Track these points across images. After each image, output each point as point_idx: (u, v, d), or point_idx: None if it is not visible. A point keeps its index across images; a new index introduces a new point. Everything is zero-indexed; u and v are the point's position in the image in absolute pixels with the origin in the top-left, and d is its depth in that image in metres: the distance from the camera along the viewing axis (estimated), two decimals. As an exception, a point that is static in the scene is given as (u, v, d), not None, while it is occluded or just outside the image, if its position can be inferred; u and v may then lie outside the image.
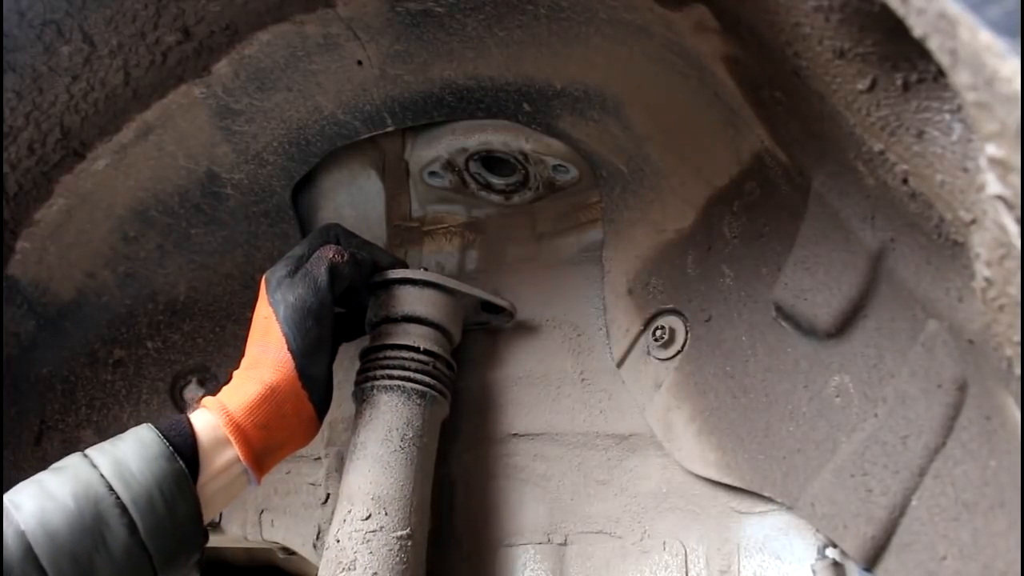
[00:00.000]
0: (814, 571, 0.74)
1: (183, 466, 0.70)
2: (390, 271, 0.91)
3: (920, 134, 0.49)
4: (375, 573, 0.78)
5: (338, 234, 0.88)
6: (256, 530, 1.05)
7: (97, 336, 0.99)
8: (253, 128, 0.90)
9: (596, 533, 0.88)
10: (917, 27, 0.40)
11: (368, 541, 0.79)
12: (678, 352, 0.88)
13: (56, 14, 0.71)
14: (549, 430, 0.94)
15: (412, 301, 0.90)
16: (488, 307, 0.96)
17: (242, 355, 0.82)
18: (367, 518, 0.80)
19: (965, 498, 0.59)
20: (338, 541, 0.80)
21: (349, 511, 0.81)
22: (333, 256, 0.84)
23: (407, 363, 0.87)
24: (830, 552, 0.74)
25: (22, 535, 0.60)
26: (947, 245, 0.54)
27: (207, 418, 0.75)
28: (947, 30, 0.37)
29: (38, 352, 0.95)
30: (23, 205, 0.85)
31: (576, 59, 0.83)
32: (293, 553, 1.07)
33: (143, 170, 0.89)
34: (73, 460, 0.68)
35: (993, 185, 0.39)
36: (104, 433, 0.96)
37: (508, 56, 0.84)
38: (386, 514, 0.80)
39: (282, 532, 1.03)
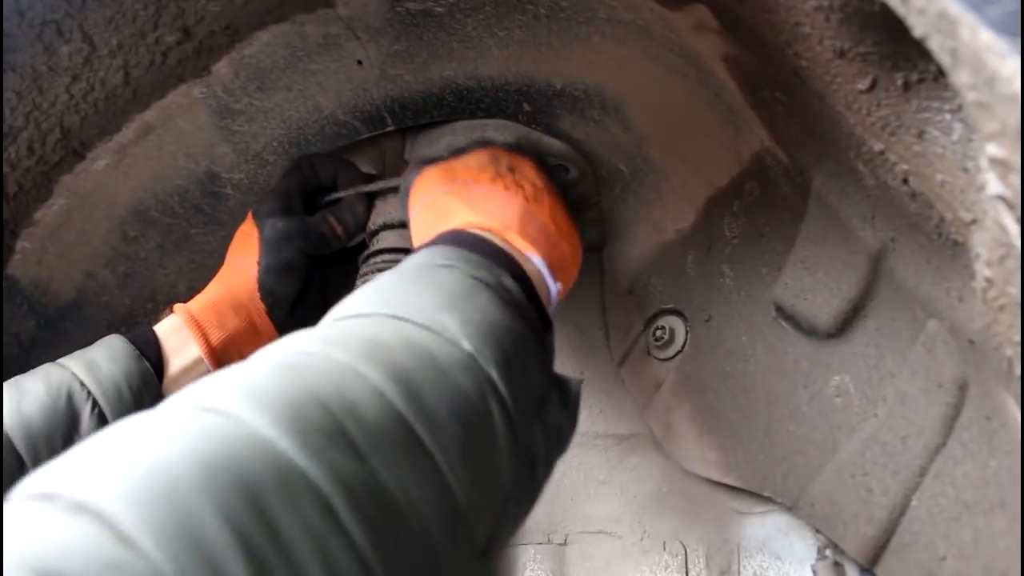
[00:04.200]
0: (814, 571, 0.74)
1: (148, 365, 0.75)
2: (387, 181, 0.91)
3: (920, 134, 0.49)
4: None
5: (312, 163, 0.92)
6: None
7: (97, 336, 0.99)
8: (253, 128, 0.90)
9: (596, 533, 0.88)
10: (917, 27, 0.40)
11: None
12: (678, 352, 0.88)
13: (56, 14, 0.71)
14: (549, 430, 0.94)
15: (393, 208, 0.90)
16: None
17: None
18: None
19: (965, 498, 0.59)
20: None
21: None
22: (328, 229, 0.89)
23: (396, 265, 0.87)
24: (830, 552, 0.74)
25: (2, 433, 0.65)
26: (947, 245, 0.54)
27: (172, 321, 0.80)
28: (947, 30, 0.37)
29: (38, 352, 0.95)
30: (23, 205, 0.85)
31: (576, 59, 0.83)
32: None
33: (143, 170, 0.89)
34: (46, 365, 0.72)
35: (993, 185, 0.39)
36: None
37: (508, 56, 0.84)
38: None
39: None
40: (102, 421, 0.69)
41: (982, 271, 0.45)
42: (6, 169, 0.80)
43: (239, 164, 0.93)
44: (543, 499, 0.91)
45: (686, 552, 0.83)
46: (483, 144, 0.84)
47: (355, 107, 0.90)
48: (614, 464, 0.90)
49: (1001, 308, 0.45)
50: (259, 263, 0.85)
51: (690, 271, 0.89)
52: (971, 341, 0.55)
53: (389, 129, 0.93)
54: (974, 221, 0.46)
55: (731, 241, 0.85)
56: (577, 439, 0.93)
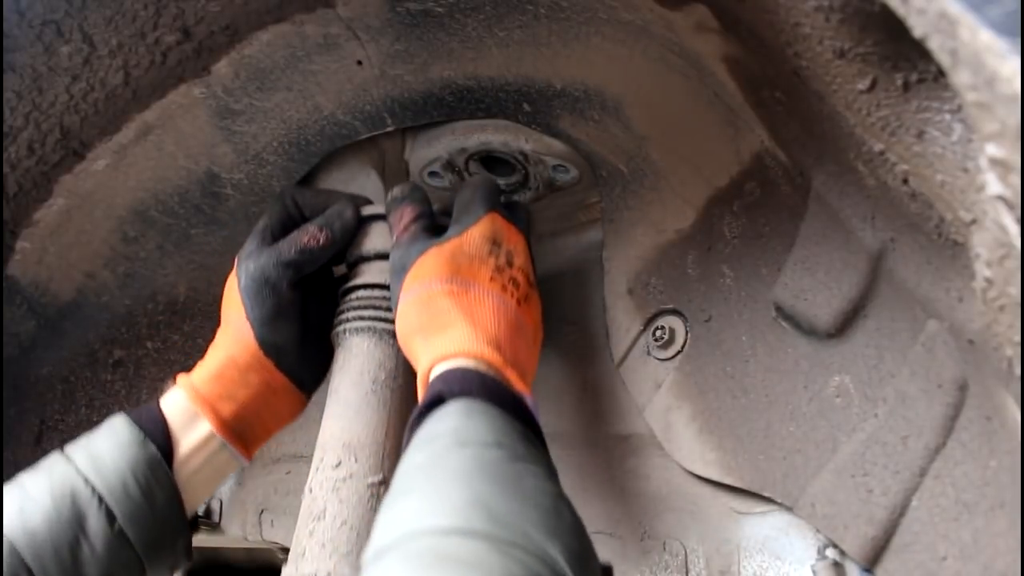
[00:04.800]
0: (814, 571, 0.74)
1: (155, 450, 0.70)
2: (363, 208, 0.87)
3: (920, 134, 0.49)
4: (344, 521, 0.74)
5: (293, 196, 0.86)
6: (256, 530, 1.05)
7: (97, 336, 0.99)
8: (253, 128, 0.90)
9: (596, 533, 0.88)
10: (917, 27, 0.40)
11: (337, 490, 0.76)
12: (678, 352, 0.88)
13: (56, 14, 0.71)
14: (549, 430, 0.94)
15: (384, 237, 0.85)
16: None
17: None
18: (337, 466, 0.77)
19: (965, 498, 0.59)
20: (311, 491, 0.77)
21: (321, 459, 0.78)
22: (307, 240, 0.82)
23: (378, 301, 0.83)
24: (830, 552, 0.74)
25: (5, 538, 0.61)
26: (947, 245, 0.54)
27: (177, 396, 0.76)
28: (947, 30, 0.37)
29: (38, 352, 0.95)
30: (23, 205, 0.85)
31: (576, 59, 0.83)
32: (293, 553, 1.07)
33: (143, 170, 0.89)
34: (52, 457, 0.69)
35: (993, 185, 0.39)
36: (104, 433, 0.97)
37: (508, 56, 0.84)
38: (356, 460, 0.77)
39: (282, 532, 1.03)
40: (110, 517, 0.66)
41: (982, 271, 0.45)
42: (6, 169, 0.80)
43: (239, 164, 0.93)
44: (543, 499, 0.92)
45: (686, 552, 0.83)
46: (489, 204, 0.81)
47: (355, 107, 0.90)
48: (614, 464, 0.90)
49: (1001, 308, 0.45)
50: (248, 319, 0.79)
51: (690, 271, 0.89)
52: (971, 341, 0.55)
53: (389, 129, 0.93)
54: (974, 221, 0.46)
55: (731, 241, 0.85)
56: (577, 439, 0.93)
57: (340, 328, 0.84)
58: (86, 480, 0.66)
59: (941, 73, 0.44)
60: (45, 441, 0.98)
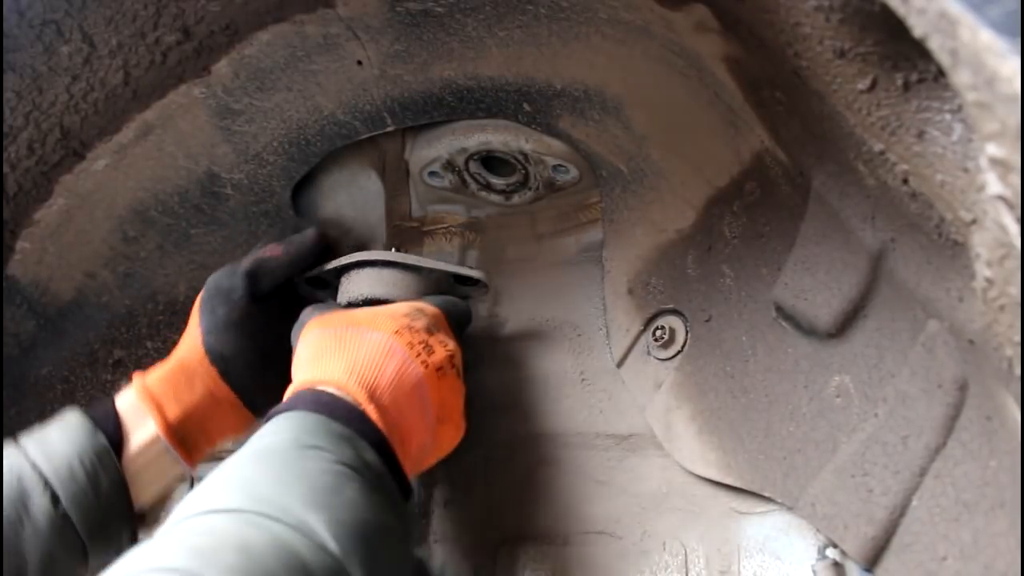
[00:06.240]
0: (814, 571, 0.74)
1: (104, 439, 0.72)
2: (351, 254, 0.87)
3: (920, 134, 0.49)
4: None
5: (316, 237, 0.89)
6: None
7: (97, 336, 0.99)
8: (253, 128, 0.90)
9: (596, 533, 0.88)
10: (918, 27, 0.40)
11: None
12: (678, 352, 0.88)
13: (56, 14, 0.71)
14: (549, 430, 0.94)
15: (372, 283, 0.86)
16: (461, 280, 0.92)
17: None
18: None
19: (966, 498, 0.59)
20: None
21: None
22: (263, 252, 0.86)
23: None
24: (830, 552, 0.74)
25: None
26: (947, 245, 0.54)
27: (130, 394, 0.77)
28: (947, 30, 0.37)
29: (38, 352, 0.95)
30: (23, 205, 0.85)
31: (576, 59, 0.83)
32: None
33: (143, 170, 0.89)
34: (5, 446, 0.70)
35: (993, 185, 0.39)
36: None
37: (508, 56, 0.84)
38: None
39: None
40: (54, 498, 0.67)
41: (982, 271, 0.45)
42: (6, 169, 0.80)
43: (239, 164, 0.93)
44: (543, 499, 0.92)
45: (686, 552, 0.83)
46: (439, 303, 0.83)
47: (355, 107, 0.90)
48: (614, 464, 0.90)
49: (1001, 308, 0.45)
50: (200, 325, 0.81)
51: (690, 271, 0.89)
52: (971, 341, 0.55)
53: (389, 129, 0.93)
54: (974, 221, 0.46)
55: (731, 241, 0.85)
56: (577, 439, 0.93)
57: None
58: (33, 464, 0.68)
59: (941, 73, 0.44)
60: (45, 441, 0.98)
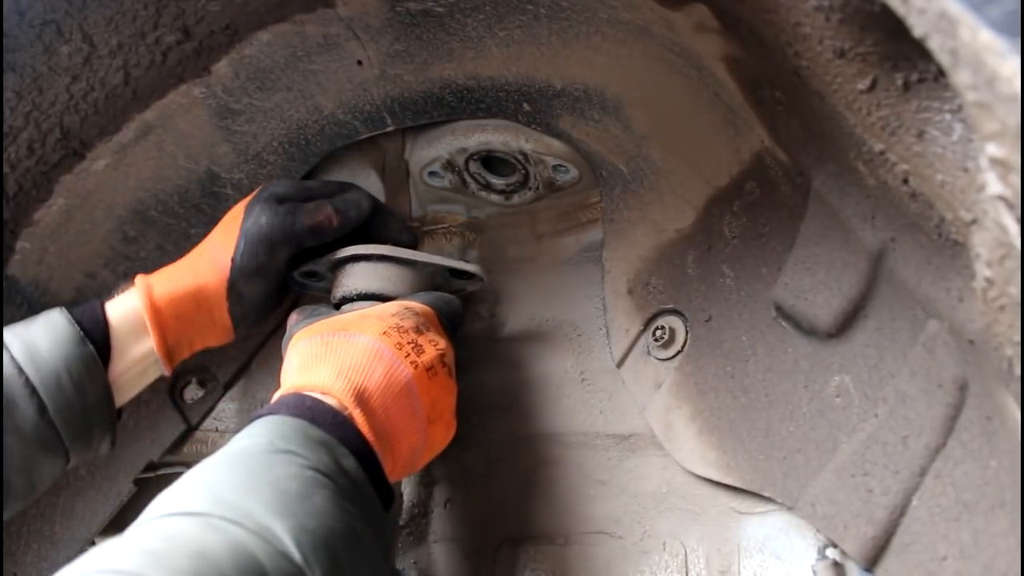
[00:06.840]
0: (814, 571, 0.74)
1: (93, 350, 0.72)
2: (344, 248, 0.86)
3: (920, 134, 0.49)
4: None
5: (370, 207, 0.87)
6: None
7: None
8: (253, 128, 0.90)
9: (596, 533, 0.88)
10: (918, 27, 0.40)
11: None
12: (678, 352, 0.88)
13: (56, 14, 0.71)
14: (549, 430, 0.94)
15: (367, 278, 0.86)
16: (457, 274, 0.91)
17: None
18: None
19: (966, 498, 0.59)
20: None
21: None
22: (322, 219, 0.83)
23: None
24: (830, 552, 0.74)
25: None
26: (947, 245, 0.54)
27: (129, 303, 0.77)
28: (947, 30, 0.37)
29: (38, 352, 0.95)
30: (23, 205, 0.85)
31: (576, 59, 0.83)
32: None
33: (143, 170, 0.89)
34: None
35: (993, 185, 0.39)
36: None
37: (508, 56, 0.84)
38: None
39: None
40: (41, 411, 0.68)
41: (982, 271, 0.45)
42: (6, 169, 0.80)
43: (239, 164, 0.93)
44: (543, 500, 0.92)
45: (686, 552, 0.83)
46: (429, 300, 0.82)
47: (355, 107, 0.90)
48: (614, 464, 0.90)
49: (1001, 308, 0.45)
50: (233, 259, 0.80)
51: (690, 271, 0.89)
52: (971, 341, 0.55)
53: (389, 129, 0.93)
54: (974, 221, 0.46)
55: (731, 241, 0.85)
56: (577, 439, 0.93)
57: None
58: (20, 370, 0.68)
59: (941, 73, 0.44)
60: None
